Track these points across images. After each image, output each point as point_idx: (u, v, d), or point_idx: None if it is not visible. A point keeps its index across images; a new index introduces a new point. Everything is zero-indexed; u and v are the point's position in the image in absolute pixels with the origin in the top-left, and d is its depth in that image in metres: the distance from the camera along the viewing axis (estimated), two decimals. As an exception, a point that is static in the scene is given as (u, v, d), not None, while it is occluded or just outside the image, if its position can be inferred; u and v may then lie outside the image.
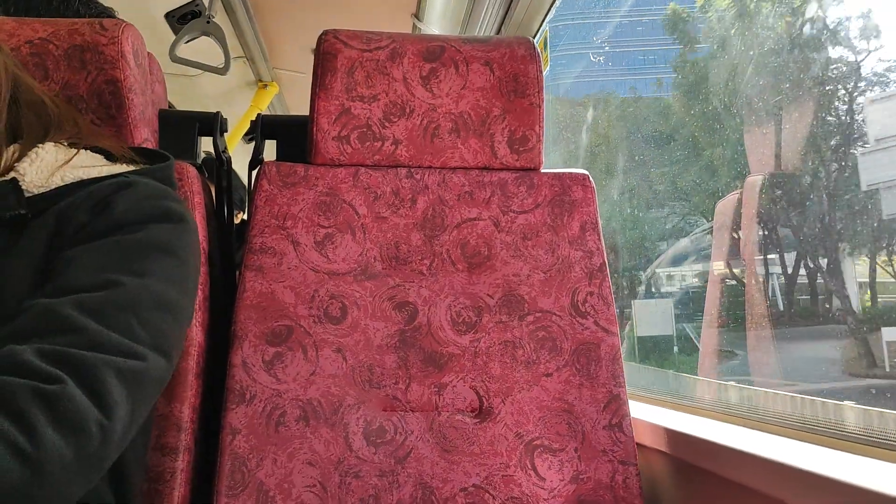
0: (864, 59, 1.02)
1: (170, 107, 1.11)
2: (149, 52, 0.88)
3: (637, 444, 0.82)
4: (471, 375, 0.83)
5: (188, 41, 1.64)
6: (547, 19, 1.48)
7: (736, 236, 1.31)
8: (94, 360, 0.48)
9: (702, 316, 1.48)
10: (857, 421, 0.73)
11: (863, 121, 1.08)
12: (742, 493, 0.66)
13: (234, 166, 1.39)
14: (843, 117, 1.11)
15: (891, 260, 1.09)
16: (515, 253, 0.88)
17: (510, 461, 0.79)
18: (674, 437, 0.79)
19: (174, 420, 0.73)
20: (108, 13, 1.00)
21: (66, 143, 0.64)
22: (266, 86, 2.32)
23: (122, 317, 0.52)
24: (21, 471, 0.43)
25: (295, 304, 0.82)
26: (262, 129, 0.96)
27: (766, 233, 1.31)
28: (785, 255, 1.33)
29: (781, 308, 1.34)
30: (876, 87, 1.06)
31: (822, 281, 1.27)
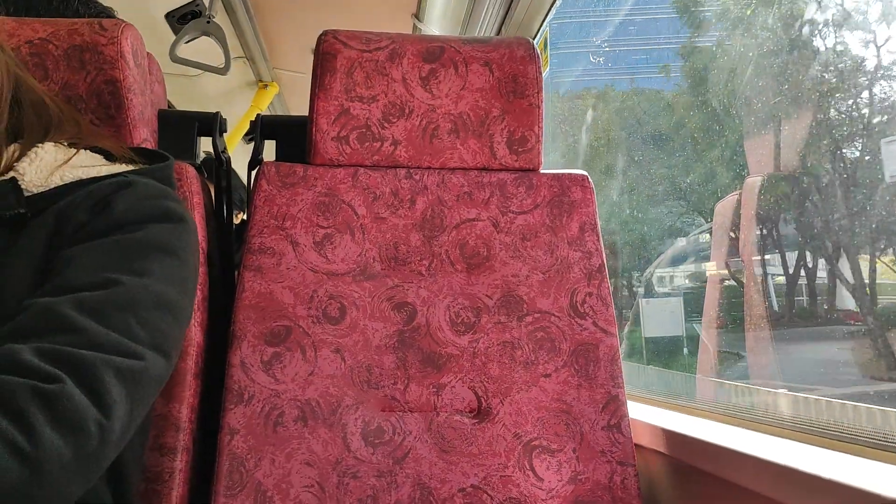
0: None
1: (169, 107, 1.11)
2: (148, 53, 0.88)
3: (635, 444, 0.82)
4: (469, 376, 0.83)
5: (188, 41, 1.64)
6: (547, 20, 1.48)
7: (752, 233, 1.29)
8: (93, 360, 0.48)
9: (706, 313, 1.46)
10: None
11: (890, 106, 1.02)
12: (740, 494, 0.66)
13: (235, 166, 1.39)
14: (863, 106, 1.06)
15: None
16: (514, 253, 0.88)
17: (508, 462, 0.79)
18: (672, 437, 0.79)
19: (172, 420, 0.73)
20: (107, 13, 1.00)
21: (65, 143, 0.64)
22: (266, 86, 2.33)
23: (121, 316, 0.52)
24: (20, 470, 0.43)
25: (294, 305, 0.82)
26: (261, 129, 0.96)
27: (771, 232, 1.29)
28: (787, 254, 1.32)
29: (793, 309, 1.32)
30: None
31: (826, 280, 1.26)
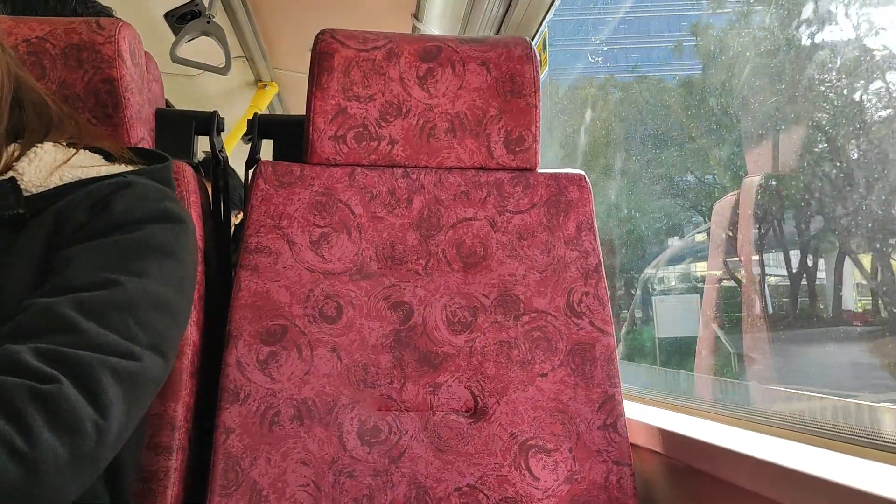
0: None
1: (168, 106, 1.11)
2: (146, 52, 0.88)
3: (631, 444, 0.82)
4: (466, 375, 0.83)
5: (188, 41, 1.64)
6: (546, 20, 1.48)
7: (750, 232, 1.26)
8: (91, 360, 0.49)
9: (727, 314, 1.39)
10: None
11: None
12: (737, 494, 0.66)
13: (235, 166, 1.39)
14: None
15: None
16: (511, 253, 0.88)
17: (504, 461, 0.79)
18: (668, 437, 0.79)
19: (168, 419, 0.73)
20: (106, 12, 1.00)
21: (64, 143, 0.64)
22: (265, 86, 2.33)
23: (119, 317, 0.52)
24: (17, 471, 0.43)
25: (290, 304, 0.82)
26: (258, 128, 0.97)
27: (774, 231, 1.27)
28: (790, 253, 1.30)
29: (797, 309, 1.28)
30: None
31: (825, 281, 1.24)
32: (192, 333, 0.77)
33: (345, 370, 0.80)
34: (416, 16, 1.80)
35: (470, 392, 0.82)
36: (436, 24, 1.78)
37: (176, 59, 1.59)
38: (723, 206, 1.34)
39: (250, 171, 0.92)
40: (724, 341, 1.37)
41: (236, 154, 1.86)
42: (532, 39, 1.48)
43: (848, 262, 1.20)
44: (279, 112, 2.65)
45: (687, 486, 0.78)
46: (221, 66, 1.67)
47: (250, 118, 0.98)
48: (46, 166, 0.61)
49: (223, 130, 0.97)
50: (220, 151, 0.97)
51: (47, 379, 0.46)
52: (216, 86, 2.17)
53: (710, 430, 0.78)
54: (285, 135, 0.96)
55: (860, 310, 1.20)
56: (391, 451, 0.78)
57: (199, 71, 1.75)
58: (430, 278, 0.86)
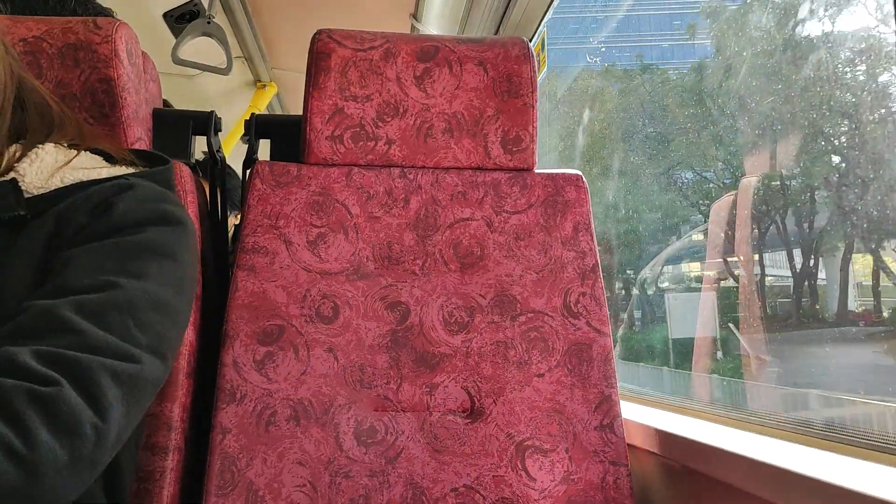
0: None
1: (166, 106, 1.11)
2: (143, 51, 0.88)
3: (628, 444, 0.82)
4: (462, 376, 0.82)
5: (189, 42, 1.64)
6: (544, 20, 1.48)
7: (749, 232, 1.23)
8: (90, 363, 0.49)
9: (746, 312, 1.33)
10: None
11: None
12: (733, 494, 0.65)
13: (235, 166, 1.39)
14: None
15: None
16: (508, 253, 0.88)
17: (501, 461, 0.79)
18: (665, 438, 0.79)
19: (164, 419, 0.73)
20: (105, 13, 1.00)
21: (65, 145, 0.64)
22: (264, 86, 2.33)
23: (119, 319, 0.52)
24: (16, 473, 0.43)
25: (287, 304, 0.82)
26: (256, 128, 0.97)
27: (778, 229, 1.25)
28: (794, 252, 1.28)
29: (800, 310, 1.25)
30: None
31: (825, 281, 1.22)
32: (188, 334, 0.77)
33: (341, 370, 0.80)
34: (415, 16, 1.80)
35: (466, 392, 0.82)
36: (434, 24, 1.78)
37: (177, 61, 1.59)
38: (720, 206, 1.33)
39: (248, 172, 0.92)
40: (743, 342, 1.30)
41: (237, 154, 1.87)
42: (531, 40, 1.48)
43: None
44: (279, 112, 2.65)
45: (683, 487, 0.78)
46: (222, 66, 1.67)
47: (248, 118, 0.98)
48: (48, 167, 0.61)
49: (220, 130, 0.97)
50: (218, 151, 0.97)
51: (47, 381, 0.46)
52: (215, 86, 2.17)
53: (707, 430, 0.78)
54: (282, 135, 0.96)
55: (863, 310, 1.18)
56: (388, 451, 0.78)
57: (197, 71, 1.75)
58: (426, 278, 0.86)
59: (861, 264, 1.16)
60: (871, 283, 1.14)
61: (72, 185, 0.61)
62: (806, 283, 1.27)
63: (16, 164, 0.60)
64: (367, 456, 0.77)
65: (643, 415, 0.90)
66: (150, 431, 0.72)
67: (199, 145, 0.98)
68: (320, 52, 0.89)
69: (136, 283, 0.55)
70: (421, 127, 0.90)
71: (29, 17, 0.80)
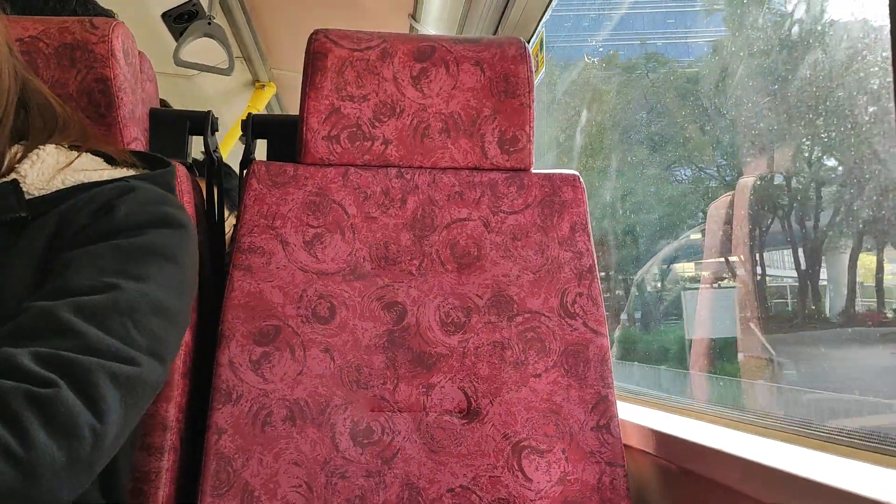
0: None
1: (165, 106, 1.11)
2: (140, 51, 0.88)
3: (624, 445, 0.82)
4: (459, 376, 0.82)
5: (190, 43, 1.64)
6: (543, 21, 1.48)
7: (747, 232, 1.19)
8: (89, 365, 0.48)
9: (768, 310, 1.26)
10: None
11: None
12: (729, 495, 0.65)
13: (234, 167, 1.39)
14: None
15: None
16: (505, 253, 0.88)
17: (497, 462, 0.79)
18: (661, 438, 0.79)
19: (160, 419, 0.73)
20: (106, 14, 1.00)
21: (66, 146, 0.64)
22: (263, 86, 2.33)
23: (119, 321, 0.52)
24: (13, 474, 0.43)
25: (283, 304, 0.82)
26: (253, 128, 0.96)
27: (784, 228, 1.21)
28: (780, 254, 1.26)
29: (805, 310, 1.22)
30: None
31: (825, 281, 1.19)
32: (185, 334, 0.77)
33: (338, 371, 0.80)
34: (414, 16, 1.80)
35: (463, 393, 0.82)
36: (433, 24, 1.78)
37: (179, 63, 1.59)
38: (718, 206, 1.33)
39: (244, 171, 0.92)
40: (767, 344, 1.23)
41: (237, 155, 1.86)
42: (529, 40, 1.48)
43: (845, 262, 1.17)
44: (278, 112, 2.65)
45: (679, 488, 0.78)
46: (223, 66, 1.67)
47: (244, 118, 0.98)
48: (49, 169, 0.61)
49: (217, 130, 0.97)
50: (215, 151, 0.97)
51: (45, 383, 0.46)
52: (214, 86, 2.17)
53: (703, 431, 0.78)
54: (279, 135, 0.96)
55: (866, 309, 1.16)
56: (384, 451, 0.78)
57: (195, 71, 1.75)
58: (423, 279, 0.86)
59: (860, 263, 1.15)
60: (869, 283, 1.13)
61: (73, 186, 0.61)
62: (809, 282, 1.24)
63: (17, 165, 0.60)
64: (363, 456, 0.77)
65: (640, 415, 0.90)
66: (145, 431, 0.72)
67: (199, 145, 0.98)
68: (317, 52, 0.89)
69: (137, 286, 0.55)
70: (418, 127, 0.90)
71: (26, 17, 0.80)
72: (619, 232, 1.86)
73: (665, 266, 1.79)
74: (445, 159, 0.91)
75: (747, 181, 1.18)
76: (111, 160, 0.66)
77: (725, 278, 1.36)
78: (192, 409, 0.78)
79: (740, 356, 1.31)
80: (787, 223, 1.25)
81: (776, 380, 1.23)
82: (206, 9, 1.65)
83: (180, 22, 1.64)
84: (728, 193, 1.27)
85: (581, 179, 0.93)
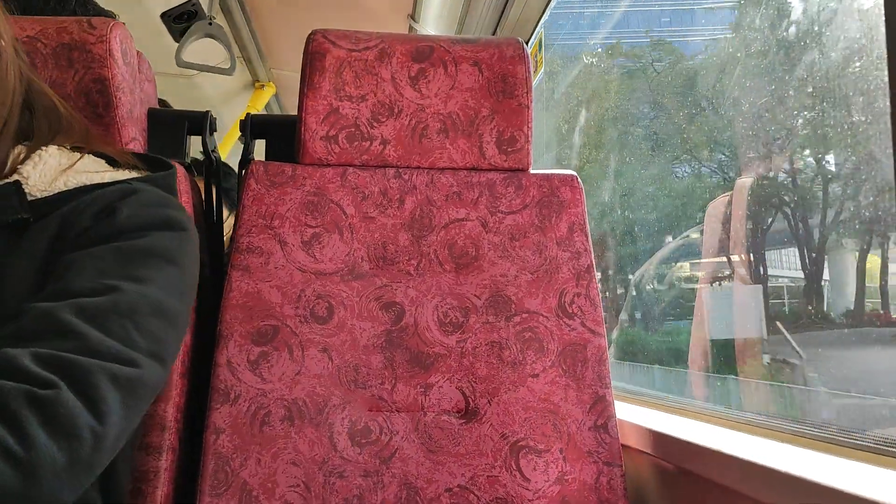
0: None
1: (164, 106, 1.11)
2: (138, 51, 0.88)
3: (622, 445, 0.82)
4: (457, 376, 0.82)
5: (192, 44, 1.64)
6: (541, 21, 1.48)
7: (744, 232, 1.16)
8: (90, 366, 0.49)
9: (791, 308, 1.22)
10: None
11: None
12: (727, 495, 0.65)
13: (233, 166, 1.39)
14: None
15: None
16: (503, 253, 0.88)
17: (495, 462, 0.79)
18: (659, 438, 0.79)
19: (158, 419, 0.73)
20: (106, 15, 1.00)
21: (68, 147, 0.64)
22: (263, 87, 2.33)
23: (120, 323, 0.52)
24: (13, 475, 0.43)
25: (281, 304, 0.82)
26: (251, 128, 0.97)
27: (792, 227, 1.18)
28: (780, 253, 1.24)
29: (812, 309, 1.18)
30: None
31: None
32: (182, 333, 0.77)
33: (336, 371, 0.80)
34: (413, 17, 1.80)
35: (461, 393, 0.82)
36: (432, 25, 1.78)
37: (182, 64, 1.59)
38: (714, 206, 1.32)
39: (243, 172, 0.92)
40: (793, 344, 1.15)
41: (237, 155, 1.86)
42: (528, 41, 1.48)
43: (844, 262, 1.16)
44: (277, 113, 2.65)
45: (677, 488, 0.78)
46: (224, 66, 1.68)
47: (243, 118, 0.98)
48: (51, 170, 0.61)
49: (216, 130, 0.97)
50: (213, 151, 0.97)
51: (46, 384, 0.46)
52: (214, 86, 2.17)
53: (701, 431, 0.78)
54: (278, 135, 0.96)
55: (872, 309, 1.13)
56: (382, 451, 0.78)
57: (195, 72, 1.75)
58: (421, 279, 0.86)
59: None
60: (871, 283, 1.12)
61: (75, 188, 0.61)
62: (815, 283, 1.22)
63: (19, 167, 0.60)
64: (361, 456, 0.77)
65: (638, 415, 0.90)
66: (144, 431, 0.72)
67: (198, 145, 0.98)
68: (315, 52, 0.89)
69: (138, 288, 0.55)
70: (416, 127, 0.90)
71: (24, 18, 0.80)
72: (638, 224, 1.80)
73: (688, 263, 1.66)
74: (443, 159, 0.91)
75: (746, 181, 1.17)
76: (113, 162, 0.66)
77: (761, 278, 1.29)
78: (191, 409, 0.79)
79: (766, 357, 1.26)
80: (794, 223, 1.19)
81: (808, 383, 1.16)
82: (205, 9, 1.66)
83: (179, 22, 1.64)
84: (725, 195, 1.26)
85: (579, 179, 0.93)
